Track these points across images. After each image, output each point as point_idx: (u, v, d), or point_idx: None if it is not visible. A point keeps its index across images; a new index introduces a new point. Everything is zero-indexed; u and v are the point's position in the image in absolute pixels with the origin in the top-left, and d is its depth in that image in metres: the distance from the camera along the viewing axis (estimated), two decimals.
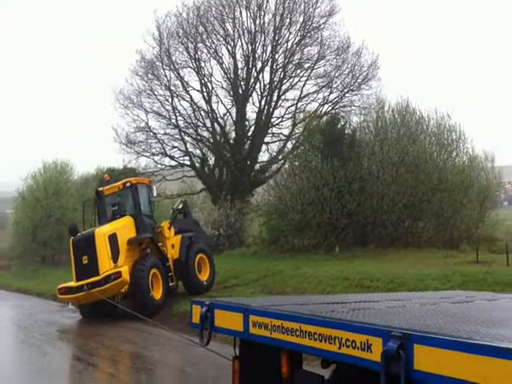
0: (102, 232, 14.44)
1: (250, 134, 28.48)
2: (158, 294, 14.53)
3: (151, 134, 28.75)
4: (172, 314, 14.21)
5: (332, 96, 28.11)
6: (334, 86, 27.92)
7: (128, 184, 15.71)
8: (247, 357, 4.06)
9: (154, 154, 28.80)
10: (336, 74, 27.76)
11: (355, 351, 2.72)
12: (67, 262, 15.28)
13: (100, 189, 16.22)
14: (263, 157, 29.02)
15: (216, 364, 7.85)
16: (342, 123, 22.11)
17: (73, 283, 14.50)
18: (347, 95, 28.06)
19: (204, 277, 16.30)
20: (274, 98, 28.10)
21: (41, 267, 29.62)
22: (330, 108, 27.82)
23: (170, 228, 16.21)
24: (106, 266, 14.15)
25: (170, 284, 15.35)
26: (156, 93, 28.39)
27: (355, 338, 2.72)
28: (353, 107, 27.84)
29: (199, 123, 28.55)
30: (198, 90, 28.15)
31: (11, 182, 38.21)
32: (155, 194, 16.97)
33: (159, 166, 29.01)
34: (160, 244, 15.55)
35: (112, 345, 11.68)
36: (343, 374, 3.23)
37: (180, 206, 17.51)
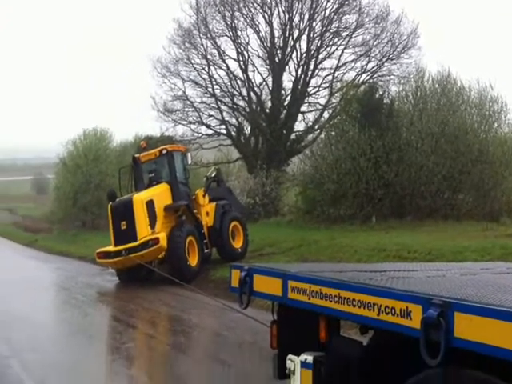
0: (140, 198, 14.63)
1: (286, 103, 28.25)
2: (193, 260, 14.74)
3: (188, 102, 28.82)
4: (208, 279, 14.48)
5: (370, 65, 27.55)
6: (373, 54, 27.30)
7: (164, 151, 15.78)
8: (285, 321, 4.14)
9: (190, 123, 28.93)
10: (375, 43, 27.11)
11: (394, 318, 2.74)
12: (106, 226, 15.64)
13: (136, 155, 16.39)
14: (299, 126, 28.84)
15: (253, 329, 8.01)
16: (381, 93, 21.70)
17: (111, 248, 14.81)
18: (386, 64, 27.44)
19: (238, 244, 16.47)
20: (311, 67, 27.72)
21: (81, 231, 30.39)
22: (367, 77, 27.29)
23: (204, 196, 16.35)
24: (143, 231, 14.39)
25: (205, 251, 15.56)
26: (193, 61, 28.35)
27: (395, 304, 2.74)
28: (391, 76, 27.22)
29: (235, 92, 28.46)
30: (234, 59, 28.00)
31: (52, 148, 39.05)
32: (190, 162, 17.05)
33: (196, 134, 29.13)
34: (195, 211, 15.71)
35: (151, 307, 12.02)
36: (382, 341, 3.28)
37: (213, 174, 17.62)
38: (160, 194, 15.12)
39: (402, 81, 24.45)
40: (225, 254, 16.04)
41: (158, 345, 9.12)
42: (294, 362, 3.81)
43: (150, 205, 14.63)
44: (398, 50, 26.89)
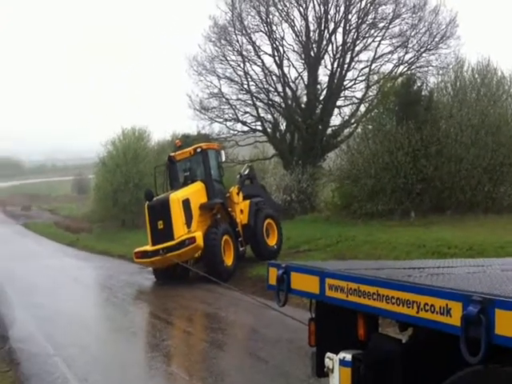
0: (177, 197, 14.69)
1: (321, 97, 28.06)
2: (229, 260, 14.73)
3: (224, 99, 28.96)
4: (245, 277, 14.53)
5: (408, 56, 27.08)
6: (410, 45, 26.83)
7: (199, 149, 15.79)
8: (323, 319, 4.12)
9: (226, 120, 29.06)
10: (412, 33, 26.64)
11: (434, 315, 2.70)
12: (145, 225, 15.83)
13: (172, 154, 16.50)
14: (335, 121, 28.61)
15: (290, 327, 8.01)
16: (419, 84, 21.36)
17: (148, 247, 14.89)
18: (424, 55, 26.93)
19: (272, 242, 16.43)
20: (347, 59, 27.44)
21: (121, 230, 30.93)
22: (405, 69, 26.84)
23: (238, 193, 16.36)
24: (180, 230, 14.45)
25: (240, 249, 15.55)
26: (228, 58, 28.46)
27: (434, 302, 2.70)
28: (430, 67, 26.73)
29: (271, 88, 28.44)
30: (269, 55, 27.96)
31: (92, 148, 39.86)
32: (224, 159, 16.96)
33: (232, 131, 29.25)
34: (229, 209, 15.72)
35: (189, 305, 12.14)
36: (421, 338, 3.23)
37: (246, 171, 17.60)
38: (195, 192, 15.18)
39: (440, 72, 24.07)
40: (259, 252, 16.02)
41: (196, 342, 9.20)
42: (332, 359, 3.79)
43: (186, 204, 14.69)
44: (437, 40, 26.37)
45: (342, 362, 3.64)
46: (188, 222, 14.65)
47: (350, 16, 26.77)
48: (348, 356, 3.62)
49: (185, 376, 7.13)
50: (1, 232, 29.96)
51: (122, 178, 32.29)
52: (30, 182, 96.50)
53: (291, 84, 28.14)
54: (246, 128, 29.20)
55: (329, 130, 28.13)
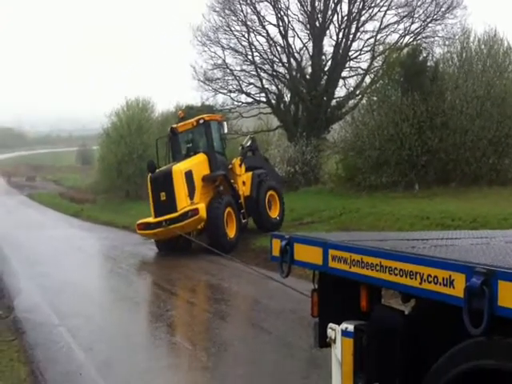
0: (179, 169, 14.62)
1: (326, 68, 27.78)
2: (231, 232, 14.73)
3: (228, 70, 28.74)
4: (249, 249, 14.58)
5: (414, 26, 26.74)
6: (416, 15, 26.47)
7: (201, 121, 15.65)
8: (326, 290, 4.12)
9: (230, 91, 28.88)
10: (418, 3, 26.26)
11: (437, 287, 2.69)
12: (148, 197, 15.82)
13: (174, 126, 16.36)
14: (340, 92, 28.38)
15: (292, 298, 8.04)
16: (424, 55, 21.08)
17: (151, 219, 14.87)
18: (430, 25, 26.57)
19: (274, 214, 16.43)
20: (352, 30, 27.08)
21: (125, 201, 31.04)
22: (411, 39, 26.51)
23: (240, 165, 16.27)
24: (183, 202, 14.42)
25: (243, 221, 15.56)
26: (233, 28, 28.15)
27: (437, 273, 2.69)
28: (436, 38, 26.40)
29: (275, 59, 28.15)
30: (274, 25, 27.62)
31: (97, 119, 39.76)
32: (226, 131, 16.82)
33: (236, 103, 29.10)
34: (232, 181, 15.67)
35: (192, 276, 12.22)
36: (424, 310, 3.22)
37: (248, 143, 17.48)
38: (198, 164, 15.11)
39: (446, 42, 23.75)
40: (261, 224, 16.03)
41: (199, 312, 9.29)
42: (334, 330, 3.80)
43: (188, 175, 14.64)
44: (443, 9, 25.99)
45: (345, 333, 3.65)
46: (191, 194, 14.61)
47: None
48: (350, 327, 3.62)
49: (188, 346, 7.21)
50: (5, 202, 30.09)
51: (126, 149, 32.27)
52: (35, 152, 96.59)
53: (296, 55, 27.86)
54: (250, 99, 29.08)
55: (333, 102, 27.91)
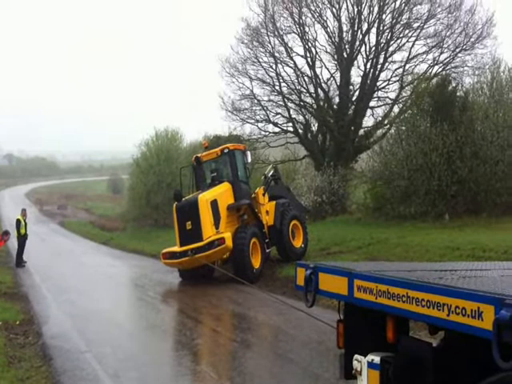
0: (205, 198, 14.65)
1: (354, 98, 27.86)
2: (256, 262, 14.65)
3: (255, 101, 29.03)
4: (275, 278, 14.52)
5: (443, 56, 26.65)
6: (445, 45, 26.38)
7: (226, 150, 15.74)
8: (351, 321, 4.08)
9: (258, 121, 29.11)
10: (447, 34, 26.19)
11: (465, 319, 2.65)
12: None
13: (198, 155, 16.48)
14: (368, 122, 28.35)
15: (319, 328, 7.95)
16: (454, 85, 21.01)
17: (176, 248, 14.84)
18: (459, 55, 26.45)
19: (298, 243, 16.33)
20: (381, 60, 27.16)
21: (153, 229, 31.30)
22: (440, 69, 26.43)
23: (264, 194, 16.28)
24: (208, 231, 14.41)
25: (267, 251, 15.48)
26: (260, 60, 28.50)
27: (465, 305, 2.65)
28: (465, 68, 26.24)
29: (302, 89, 28.36)
30: (301, 56, 27.89)
31: (128, 150, 40.51)
32: (250, 160, 16.78)
33: (263, 132, 29.29)
34: (256, 210, 15.67)
35: (219, 304, 12.18)
36: (452, 342, 3.16)
37: (271, 172, 17.49)
38: (223, 193, 15.15)
39: (476, 72, 23.60)
40: (285, 254, 15.95)
41: (225, 341, 9.22)
42: (360, 362, 3.75)
43: (214, 204, 14.67)
44: (473, 40, 25.88)
45: (371, 365, 3.60)
46: (216, 223, 14.63)
47: (384, 16, 26.50)
48: (377, 358, 3.57)
49: (214, 375, 7.16)
50: (37, 231, 30.62)
51: (155, 179, 32.71)
52: (67, 181, 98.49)
53: (323, 85, 28.02)
54: (277, 129, 29.21)
55: (361, 131, 27.89)
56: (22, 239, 20.41)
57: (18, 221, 20.79)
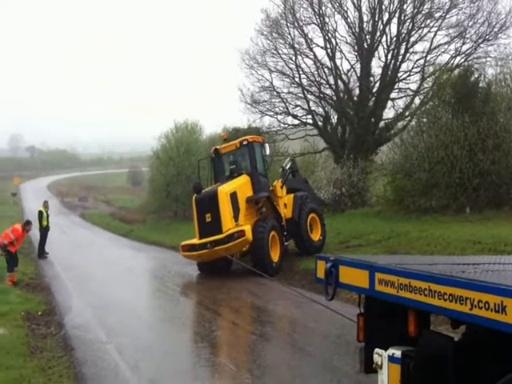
0: (225, 190, 14.61)
1: (374, 90, 27.58)
2: (275, 255, 14.58)
3: (275, 93, 28.94)
4: (294, 271, 14.49)
5: (465, 47, 26.22)
6: (468, 36, 25.97)
7: (245, 142, 15.69)
8: (372, 314, 4.05)
9: (277, 113, 29.03)
10: (470, 24, 25.78)
11: (488, 312, 2.61)
12: None
13: (217, 147, 16.45)
14: (388, 114, 28.07)
15: (338, 322, 7.91)
16: (476, 76, 20.61)
17: (196, 240, 14.82)
18: (482, 45, 26.02)
19: (316, 237, 16.27)
20: (402, 51, 26.83)
21: (173, 222, 31.48)
22: (462, 60, 26.04)
23: (282, 187, 16.22)
24: (228, 224, 14.38)
25: (285, 243, 15.43)
26: (280, 51, 28.37)
27: (488, 299, 2.61)
28: (488, 58, 25.77)
29: (322, 81, 28.17)
30: (321, 47, 27.68)
31: (147, 142, 40.74)
32: (268, 153, 16.75)
33: (282, 125, 29.20)
34: (274, 203, 15.61)
35: (238, 297, 12.20)
36: (474, 336, 3.12)
37: (289, 165, 17.40)
38: (242, 185, 15.12)
39: (499, 63, 23.14)
40: (303, 247, 15.89)
41: (244, 334, 9.24)
42: (381, 355, 3.72)
43: (233, 197, 14.65)
44: (496, 30, 25.44)
45: (391, 359, 3.58)
46: (235, 216, 14.61)
47: (405, 6, 26.16)
48: (398, 352, 3.55)
49: (232, 367, 7.18)
50: (59, 222, 30.99)
51: (175, 171, 32.84)
52: (88, 173, 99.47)
53: (343, 76, 27.80)
54: (296, 121, 29.12)
55: (381, 123, 27.62)
56: (44, 231, 20.71)
57: (40, 212, 21.09)
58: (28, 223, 15.58)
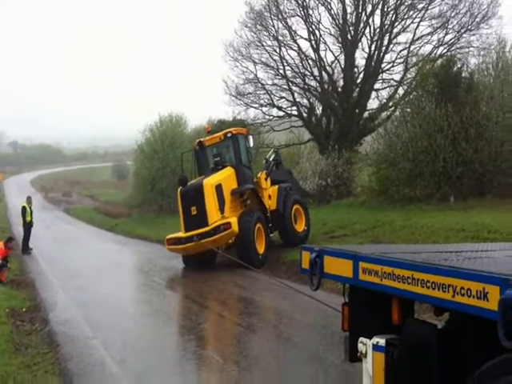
0: (210, 182, 14.57)
1: (358, 81, 27.64)
2: (261, 247, 14.57)
3: (259, 85, 28.89)
4: (280, 262, 14.51)
5: (448, 37, 26.37)
6: (450, 26, 26.12)
7: (229, 134, 15.64)
8: (356, 303, 4.06)
9: (262, 105, 29.01)
10: (452, 14, 25.92)
11: (470, 299, 2.62)
12: None
13: (201, 139, 16.36)
14: (372, 104, 28.17)
15: (324, 312, 7.95)
16: (459, 66, 20.72)
17: (181, 234, 14.74)
18: (464, 36, 26.18)
19: (300, 228, 16.30)
20: (385, 42, 26.89)
21: (159, 215, 31.35)
22: (445, 50, 26.17)
23: (266, 179, 16.22)
24: (214, 216, 14.33)
25: (270, 235, 15.44)
26: (264, 43, 28.30)
27: (470, 286, 2.62)
28: (470, 48, 25.96)
29: (307, 72, 28.15)
30: (305, 39, 27.64)
31: (132, 136, 40.43)
32: (252, 145, 16.68)
33: (267, 116, 29.21)
34: (259, 195, 15.59)
35: (224, 289, 12.21)
36: (457, 323, 3.14)
37: (272, 157, 17.39)
38: (227, 177, 15.07)
39: (481, 52, 23.37)
40: (288, 238, 15.91)
41: (231, 326, 9.26)
42: (365, 344, 3.74)
43: (218, 189, 14.61)
44: (478, 20, 25.61)
45: (376, 347, 3.59)
46: (221, 208, 14.56)
47: None
48: (382, 341, 3.56)
49: (219, 359, 7.18)
50: (42, 217, 30.71)
51: (160, 164, 32.66)
52: (72, 168, 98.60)
53: (328, 68, 27.80)
54: (281, 113, 29.13)
55: (366, 114, 27.72)
56: (28, 226, 20.51)
57: (24, 208, 20.88)
58: (10, 240, 15.35)
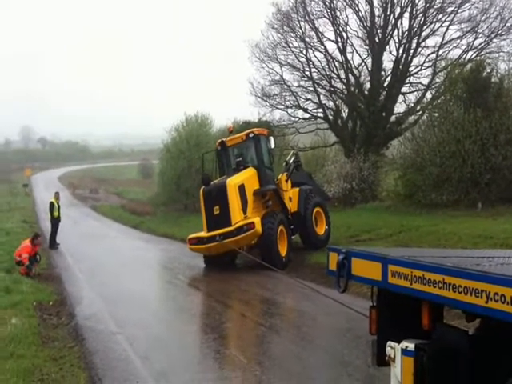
0: (233, 182, 14.52)
1: (385, 84, 27.41)
2: (283, 249, 14.49)
3: (285, 86, 28.82)
4: (304, 264, 14.47)
5: (477, 42, 25.97)
6: (480, 30, 25.71)
7: (251, 135, 15.60)
8: (385, 307, 4.03)
9: (287, 107, 28.93)
10: (482, 18, 25.52)
11: (504, 306, 2.59)
12: None
13: (223, 139, 16.36)
14: (399, 108, 27.89)
15: (349, 316, 7.89)
16: (488, 71, 20.45)
17: (203, 233, 14.68)
18: (494, 40, 25.77)
19: (321, 230, 16.22)
20: (413, 45, 26.62)
21: (183, 214, 31.52)
22: (474, 55, 25.79)
23: (287, 180, 16.18)
24: (237, 216, 14.27)
25: (292, 237, 15.37)
26: (291, 45, 28.23)
27: (505, 292, 2.59)
28: (501, 53, 25.55)
29: (333, 74, 28.02)
30: (332, 41, 27.50)
31: (158, 135, 40.73)
32: (273, 146, 16.56)
33: (293, 118, 29.10)
34: (281, 196, 15.52)
35: (248, 289, 12.22)
36: (489, 330, 3.10)
37: (292, 159, 17.31)
38: (249, 178, 15.03)
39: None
40: (308, 240, 15.86)
41: (254, 326, 9.25)
42: (394, 348, 3.71)
43: (241, 189, 14.57)
44: (508, 24, 25.21)
45: (405, 352, 3.56)
46: (244, 208, 14.52)
47: (416, 0, 25.93)
48: (411, 345, 3.53)
49: (243, 359, 7.20)
50: (70, 214, 31.16)
51: (185, 164, 32.83)
52: (99, 165, 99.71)
53: (354, 70, 27.63)
54: (307, 115, 29.01)
55: (392, 118, 27.46)
56: (55, 222, 20.84)
57: (52, 204, 21.21)
58: (36, 236, 15.48)
